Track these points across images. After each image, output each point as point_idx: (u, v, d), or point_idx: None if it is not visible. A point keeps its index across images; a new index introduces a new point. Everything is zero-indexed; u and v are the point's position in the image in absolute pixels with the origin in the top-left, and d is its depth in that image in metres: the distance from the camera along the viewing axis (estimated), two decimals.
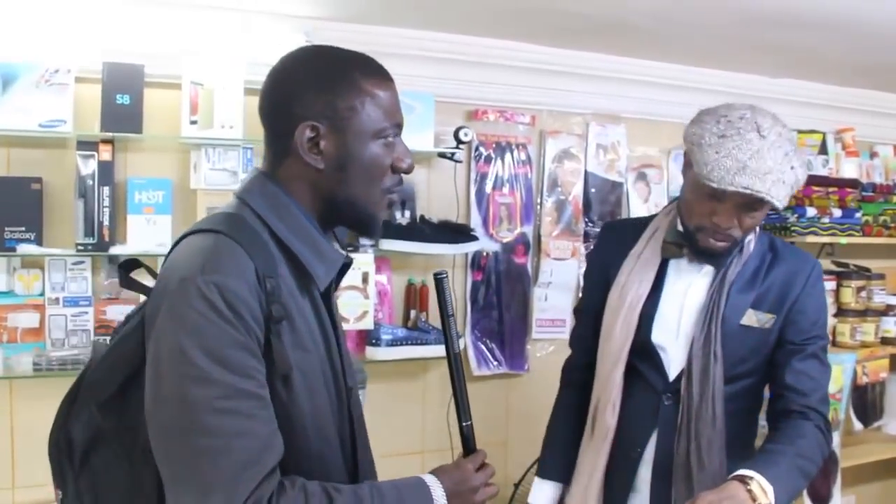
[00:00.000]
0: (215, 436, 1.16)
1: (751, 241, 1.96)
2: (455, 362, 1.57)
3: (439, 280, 1.57)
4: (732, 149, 1.77)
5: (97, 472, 1.32)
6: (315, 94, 1.33)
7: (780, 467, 1.71)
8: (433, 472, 1.42)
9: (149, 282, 1.42)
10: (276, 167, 1.38)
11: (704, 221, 1.86)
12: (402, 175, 1.44)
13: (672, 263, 2.00)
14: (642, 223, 2.10)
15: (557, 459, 2.13)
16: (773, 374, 1.94)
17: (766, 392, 2.01)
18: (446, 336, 1.57)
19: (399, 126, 1.40)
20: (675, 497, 1.91)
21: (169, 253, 1.35)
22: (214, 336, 1.19)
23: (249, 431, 1.19)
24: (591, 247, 3.14)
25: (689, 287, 1.97)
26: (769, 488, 1.64)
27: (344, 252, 1.45)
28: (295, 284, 1.33)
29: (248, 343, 1.22)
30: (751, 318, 1.91)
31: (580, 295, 2.43)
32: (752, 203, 1.79)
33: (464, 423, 1.55)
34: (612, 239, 2.15)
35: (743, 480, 1.64)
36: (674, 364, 1.96)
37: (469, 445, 1.53)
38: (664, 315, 1.98)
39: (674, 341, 1.96)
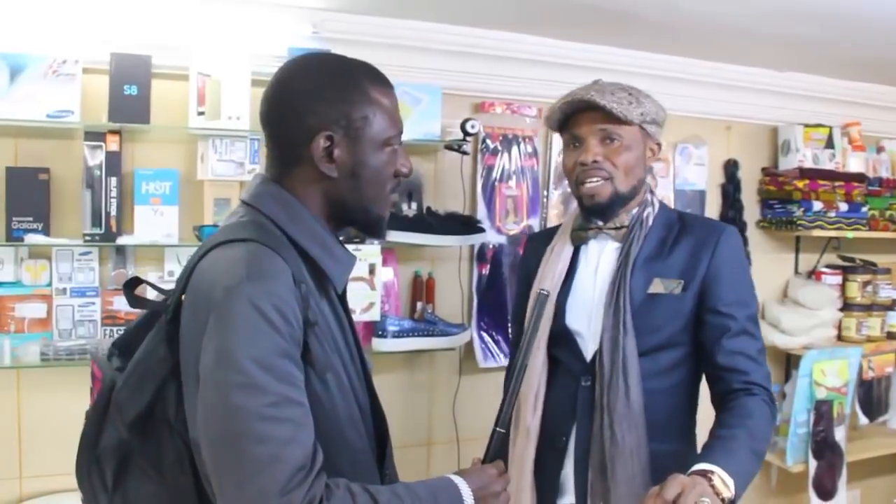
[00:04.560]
0: (267, 444, 1.17)
1: (650, 214, 1.99)
2: (520, 373, 1.66)
3: (542, 297, 1.74)
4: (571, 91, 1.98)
5: (130, 492, 1.33)
6: (328, 103, 1.35)
7: (737, 456, 1.68)
8: (457, 474, 1.44)
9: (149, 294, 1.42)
10: (284, 174, 1.39)
11: (577, 171, 1.95)
12: (410, 173, 1.48)
13: (582, 251, 2.04)
14: (559, 227, 2.18)
15: None
16: (706, 357, 1.90)
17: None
18: (526, 346, 1.69)
19: (401, 133, 1.44)
20: (591, 477, 1.89)
21: (193, 266, 1.33)
22: (264, 344, 1.19)
23: (297, 439, 1.20)
24: None
25: (597, 268, 2.00)
26: (730, 481, 1.62)
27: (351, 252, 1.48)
28: (315, 287, 1.35)
29: (292, 351, 1.24)
30: (657, 286, 1.91)
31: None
32: (604, 129, 1.91)
33: (499, 429, 1.59)
34: (533, 247, 2.22)
35: (704, 475, 1.61)
36: (590, 346, 1.96)
37: (495, 451, 1.57)
38: (577, 300, 2.00)
39: (588, 324, 1.97)
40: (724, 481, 1.61)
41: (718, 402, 1.88)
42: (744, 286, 1.94)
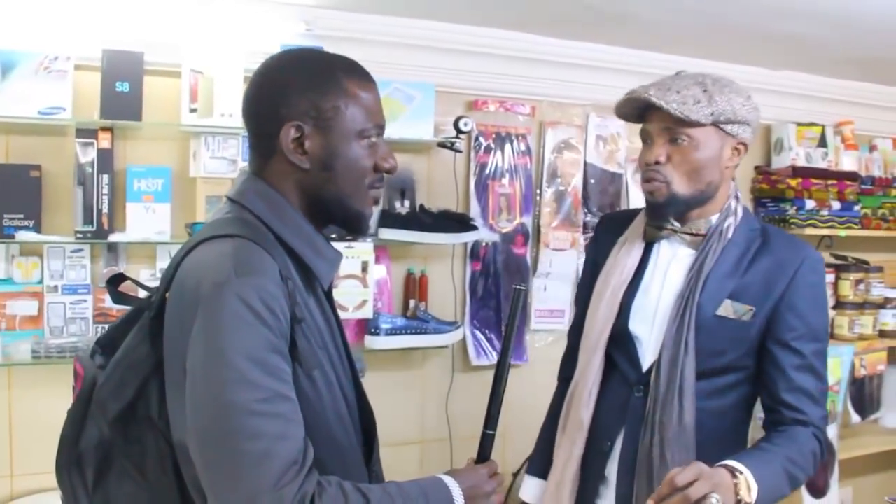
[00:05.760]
0: (258, 439, 1.16)
1: (731, 225, 1.87)
2: (504, 371, 1.64)
3: (518, 293, 1.64)
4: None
5: (111, 491, 1.32)
6: (299, 94, 1.34)
7: (770, 467, 1.65)
8: (448, 474, 1.43)
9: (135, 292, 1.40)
10: (262, 168, 1.38)
11: (643, 168, 1.87)
12: (392, 170, 1.45)
13: (654, 249, 1.95)
14: (636, 213, 2.06)
15: (545, 456, 2.08)
16: (765, 387, 1.84)
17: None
18: (506, 346, 1.64)
19: (381, 127, 1.41)
20: (636, 492, 1.83)
21: (178, 262, 1.33)
22: (253, 339, 1.19)
23: (289, 434, 1.19)
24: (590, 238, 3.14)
25: (667, 272, 1.91)
26: (754, 487, 1.58)
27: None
28: (301, 283, 1.35)
29: (281, 346, 1.23)
30: (727, 308, 1.81)
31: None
32: (669, 129, 1.80)
33: (488, 431, 1.58)
34: (605, 230, 2.13)
35: (732, 472, 1.58)
36: (648, 355, 1.89)
37: (486, 453, 1.56)
38: (642, 303, 1.92)
39: (650, 331, 1.89)
40: (748, 484, 1.58)
41: (769, 428, 1.84)
42: (817, 318, 1.83)
